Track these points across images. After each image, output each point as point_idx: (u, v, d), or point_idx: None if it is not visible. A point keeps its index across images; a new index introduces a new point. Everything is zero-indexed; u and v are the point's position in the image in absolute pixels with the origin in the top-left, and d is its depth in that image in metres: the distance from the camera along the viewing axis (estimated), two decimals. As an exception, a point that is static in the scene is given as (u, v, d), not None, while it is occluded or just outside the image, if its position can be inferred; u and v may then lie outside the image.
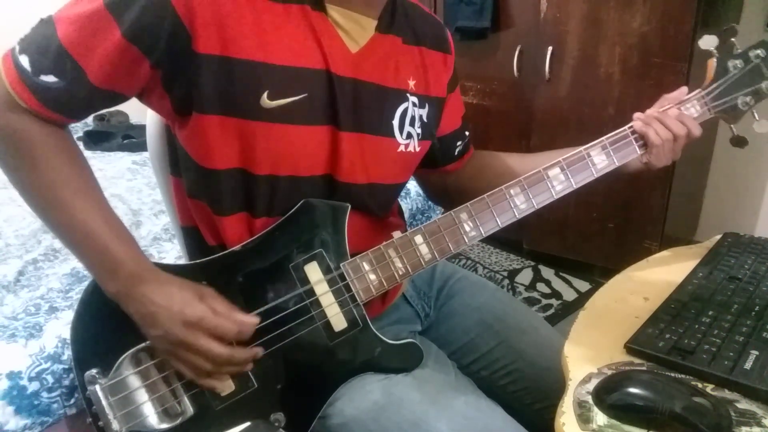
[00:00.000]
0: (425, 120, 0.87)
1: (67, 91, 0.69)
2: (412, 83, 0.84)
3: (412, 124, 0.84)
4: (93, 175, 0.75)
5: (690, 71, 1.89)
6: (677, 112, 0.84)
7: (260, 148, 0.73)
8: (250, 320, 0.72)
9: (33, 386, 0.99)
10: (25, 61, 0.68)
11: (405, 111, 0.83)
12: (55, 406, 1.01)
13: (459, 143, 0.99)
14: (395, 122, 0.82)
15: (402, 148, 0.84)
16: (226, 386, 0.74)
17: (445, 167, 1.00)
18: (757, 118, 0.86)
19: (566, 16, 2.06)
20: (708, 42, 0.85)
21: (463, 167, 1.02)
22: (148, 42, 0.67)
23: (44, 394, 1.00)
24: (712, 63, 0.86)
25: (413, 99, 0.84)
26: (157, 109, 0.78)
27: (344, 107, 0.76)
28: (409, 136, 0.85)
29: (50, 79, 0.68)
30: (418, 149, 0.86)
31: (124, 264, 0.70)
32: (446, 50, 0.92)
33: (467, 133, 1.00)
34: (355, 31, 0.77)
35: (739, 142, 0.88)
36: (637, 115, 0.84)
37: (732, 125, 0.88)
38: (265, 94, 0.71)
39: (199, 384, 0.73)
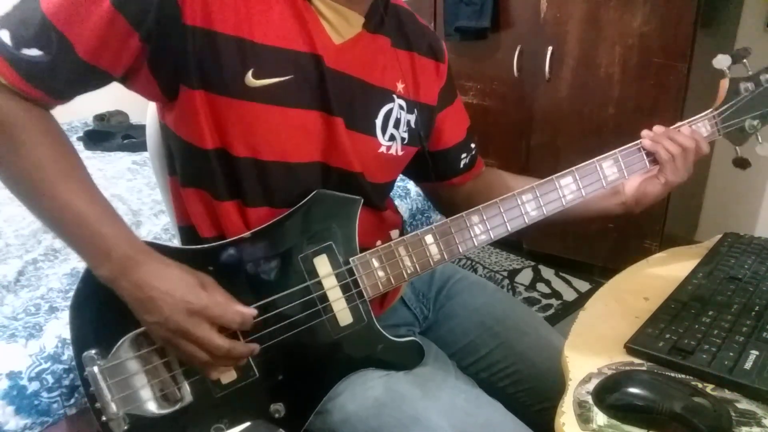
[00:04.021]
0: (412, 126, 0.86)
1: (52, 65, 0.66)
2: (400, 86, 0.83)
3: (396, 126, 0.83)
4: (78, 156, 0.72)
5: (690, 71, 1.89)
6: (689, 129, 0.84)
7: (242, 127, 0.72)
8: (250, 312, 0.71)
9: (33, 386, 0.99)
10: (5, 35, 0.65)
11: (389, 112, 0.82)
12: (55, 406, 1.01)
13: (464, 155, 0.97)
14: (378, 121, 0.81)
15: (383, 149, 0.82)
16: (222, 376, 0.74)
17: (451, 181, 0.99)
18: (760, 140, 0.87)
19: (566, 16, 2.06)
20: (721, 62, 0.85)
21: (472, 182, 1.00)
22: (137, 13, 0.65)
23: (44, 394, 1.00)
24: (725, 84, 0.87)
25: (400, 102, 0.83)
26: (145, 92, 0.75)
27: (334, 93, 0.75)
28: (392, 138, 0.83)
29: (33, 52, 0.65)
30: (400, 153, 0.85)
31: (117, 246, 0.67)
32: (439, 59, 0.91)
33: (473, 145, 0.99)
34: (340, 23, 0.76)
35: (741, 163, 0.89)
36: (645, 132, 0.84)
37: (737, 146, 0.89)
38: (249, 72, 0.70)
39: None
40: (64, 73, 0.67)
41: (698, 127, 0.86)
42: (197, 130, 0.72)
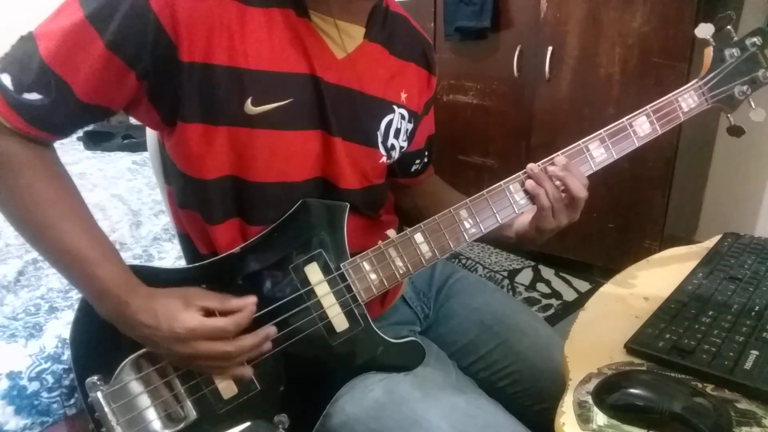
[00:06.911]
0: (410, 134, 0.87)
1: (53, 108, 0.67)
2: (404, 96, 0.84)
3: (396, 136, 0.84)
4: (79, 194, 0.73)
5: (690, 71, 1.89)
6: (563, 159, 0.79)
7: (249, 154, 0.72)
8: (246, 303, 0.71)
9: (33, 386, 0.99)
10: (6, 79, 0.66)
11: (390, 122, 0.83)
12: (55, 406, 1.01)
13: (417, 161, 0.99)
14: (379, 133, 0.82)
15: (384, 159, 0.84)
16: (224, 391, 0.74)
17: (397, 179, 0.99)
18: (753, 106, 0.85)
19: (566, 16, 2.06)
20: (704, 30, 0.84)
21: (419, 186, 1.03)
22: (132, 52, 0.66)
23: (44, 394, 1.00)
24: (709, 52, 0.85)
25: (401, 111, 0.84)
26: (145, 121, 0.77)
27: (333, 112, 0.76)
28: (392, 147, 0.85)
29: (34, 96, 0.66)
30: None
31: (110, 289, 0.69)
32: (432, 71, 0.92)
33: (427, 153, 1.00)
34: (341, 38, 0.76)
35: (735, 131, 0.87)
36: (530, 167, 0.79)
37: (729, 115, 0.87)
38: (249, 101, 0.70)
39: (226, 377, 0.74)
40: (64, 114, 0.69)
41: (685, 99, 0.84)
42: (192, 162, 0.73)
